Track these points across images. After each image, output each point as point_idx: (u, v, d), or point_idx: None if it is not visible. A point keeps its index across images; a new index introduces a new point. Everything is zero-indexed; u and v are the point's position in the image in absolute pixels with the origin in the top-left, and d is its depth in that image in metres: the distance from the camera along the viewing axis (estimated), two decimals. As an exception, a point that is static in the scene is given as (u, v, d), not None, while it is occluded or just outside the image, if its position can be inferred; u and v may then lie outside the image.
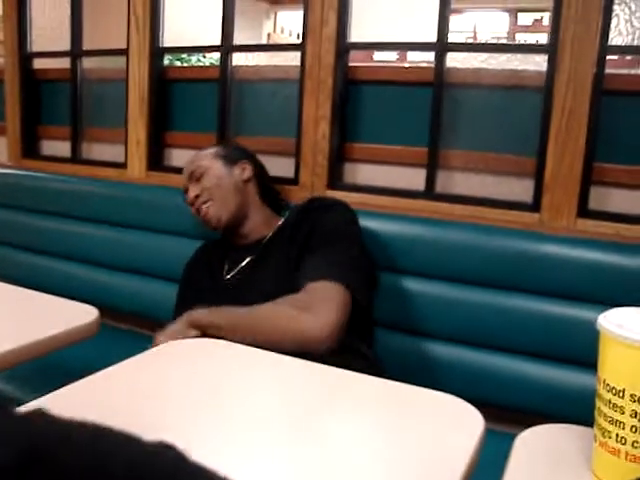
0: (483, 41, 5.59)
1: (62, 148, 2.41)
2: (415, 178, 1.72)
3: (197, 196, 1.61)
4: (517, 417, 1.42)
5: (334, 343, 1.21)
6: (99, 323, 1.19)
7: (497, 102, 1.67)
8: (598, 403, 0.70)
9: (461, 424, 0.84)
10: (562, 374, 1.42)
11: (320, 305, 1.24)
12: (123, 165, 2.18)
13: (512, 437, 0.83)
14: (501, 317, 1.47)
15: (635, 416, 0.66)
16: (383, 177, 1.78)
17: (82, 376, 0.91)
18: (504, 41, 6.16)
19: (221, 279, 1.58)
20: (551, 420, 0.89)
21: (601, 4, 1.46)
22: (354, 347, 1.36)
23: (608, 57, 1.49)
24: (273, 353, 1.04)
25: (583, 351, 1.39)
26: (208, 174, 1.62)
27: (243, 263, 1.57)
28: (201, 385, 0.93)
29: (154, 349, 1.08)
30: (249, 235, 1.62)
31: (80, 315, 1.18)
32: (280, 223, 1.61)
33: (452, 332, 1.54)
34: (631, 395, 0.66)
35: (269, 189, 1.72)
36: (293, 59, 1.88)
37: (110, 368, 0.96)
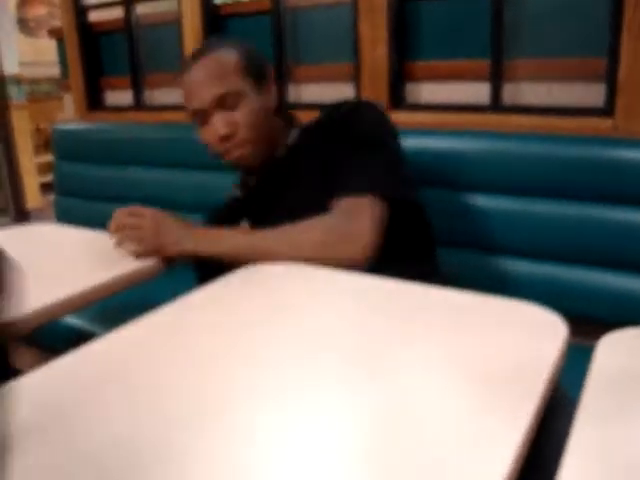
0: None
1: (126, 97, 2.44)
2: (480, 92, 1.66)
3: (227, 137, 1.26)
4: (597, 329, 1.38)
5: (372, 258, 1.11)
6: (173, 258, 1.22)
7: (562, 1, 1.57)
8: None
9: (543, 331, 0.82)
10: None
11: (354, 229, 1.12)
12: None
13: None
14: (580, 228, 1.42)
15: None
16: (447, 94, 1.73)
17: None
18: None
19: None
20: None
21: None
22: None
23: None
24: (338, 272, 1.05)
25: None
26: (244, 105, 1.27)
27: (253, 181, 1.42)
28: (270, 312, 0.94)
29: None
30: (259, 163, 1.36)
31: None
32: (291, 141, 1.37)
33: (529, 247, 1.50)
34: None
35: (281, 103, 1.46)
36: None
37: (181, 300, 0.98)
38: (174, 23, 2.16)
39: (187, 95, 1.30)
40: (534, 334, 0.82)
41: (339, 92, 1.87)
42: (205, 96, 1.25)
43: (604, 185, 1.41)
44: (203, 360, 0.79)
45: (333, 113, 1.34)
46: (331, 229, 1.13)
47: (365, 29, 1.74)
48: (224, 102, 1.25)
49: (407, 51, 1.75)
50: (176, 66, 2.17)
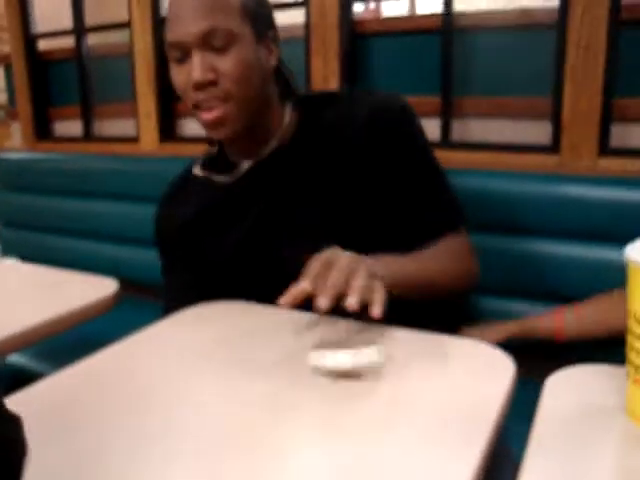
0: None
1: (75, 127, 2.40)
2: (432, 128, 1.68)
3: (212, 83, 0.99)
4: (546, 364, 1.40)
5: None
6: (119, 296, 1.19)
7: (509, 43, 1.61)
8: (630, 338, 0.68)
9: (491, 371, 0.82)
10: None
11: (474, 261, 1.16)
12: (135, 139, 2.17)
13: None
14: (527, 262, 1.44)
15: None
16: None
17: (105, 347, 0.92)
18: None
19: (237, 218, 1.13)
20: (581, 363, 0.87)
21: None
22: None
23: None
24: (286, 312, 1.03)
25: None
26: (236, 50, 1.00)
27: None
28: (220, 350, 0.92)
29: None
30: (255, 140, 1.10)
31: (100, 288, 1.18)
32: (290, 120, 1.12)
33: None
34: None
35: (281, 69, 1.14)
36: (294, 18, 1.83)
37: (130, 338, 0.96)
38: (125, 55, 2.14)
39: (169, 20, 1.02)
40: (482, 373, 0.82)
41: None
42: (190, 27, 0.98)
43: (551, 220, 1.43)
44: (152, 399, 0.77)
45: (373, 111, 1.10)
46: (463, 260, 1.13)
47: (317, 65, 1.76)
48: (212, 40, 0.98)
49: (359, 87, 1.77)
50: (127, 97, 2.16)
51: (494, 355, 0.86)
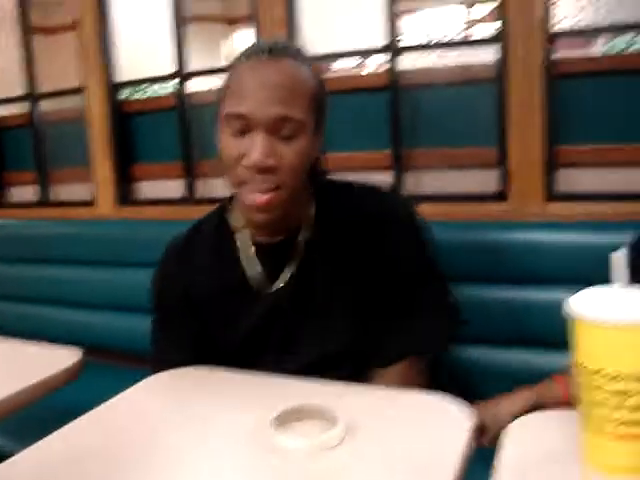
0: (435, 40, 5.61)
1: (31, 193, 2.39)
2: (382, 181, 1.72)
3: (270, 169, 0.98)
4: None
5: None
6: (83, 364, 1.17)
7: (454, 98, 1.67)
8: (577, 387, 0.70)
9: (450, 421, 0.84)
10: (547, 359, 1.42)
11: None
12: (92, 203, 2.17)
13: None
14: (479, 310, 1.45)
15: (615, 395, 0.66)
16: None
17: (75, 418, 0.91)
18: (462, 34, 6.16)
19: (258, 294, 1.12)
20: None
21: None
22: None
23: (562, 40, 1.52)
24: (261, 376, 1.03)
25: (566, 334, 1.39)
26: (299, 141, 1.00)
27: (287, 272, 1.11)
28: (190, 418, 0.92)
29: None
30: (281, 226, 1.10)
31: (63, 357, 1.16)
32: (313, 212, 1.13)
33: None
34: (609, 375, 0.65)
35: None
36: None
37: (98, 408, 0.95)
38: (80, 120, 2.16)
39: (240, 91, 0.99)
40: (440, 428, 0.83)
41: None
42: (266, 107, 0.97)
43: (502, 267, 1.45)
44: (130, 468, 0.76)
45: (383, 212, 1.15)
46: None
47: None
48: (282, 127, 0.98)
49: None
50: (83, 162, 2.17)
51: (450, 407, 0.87)
